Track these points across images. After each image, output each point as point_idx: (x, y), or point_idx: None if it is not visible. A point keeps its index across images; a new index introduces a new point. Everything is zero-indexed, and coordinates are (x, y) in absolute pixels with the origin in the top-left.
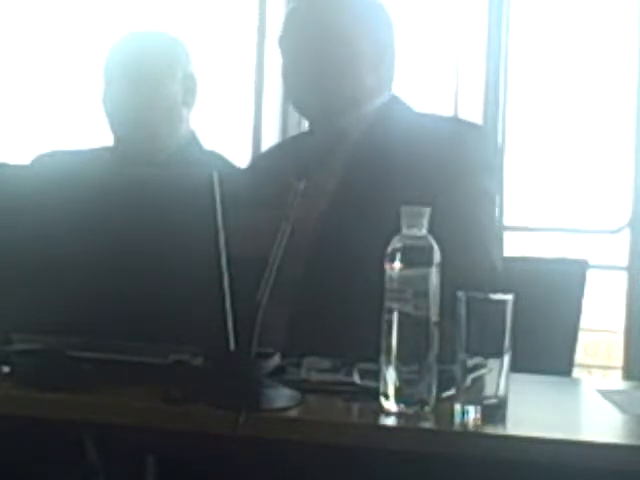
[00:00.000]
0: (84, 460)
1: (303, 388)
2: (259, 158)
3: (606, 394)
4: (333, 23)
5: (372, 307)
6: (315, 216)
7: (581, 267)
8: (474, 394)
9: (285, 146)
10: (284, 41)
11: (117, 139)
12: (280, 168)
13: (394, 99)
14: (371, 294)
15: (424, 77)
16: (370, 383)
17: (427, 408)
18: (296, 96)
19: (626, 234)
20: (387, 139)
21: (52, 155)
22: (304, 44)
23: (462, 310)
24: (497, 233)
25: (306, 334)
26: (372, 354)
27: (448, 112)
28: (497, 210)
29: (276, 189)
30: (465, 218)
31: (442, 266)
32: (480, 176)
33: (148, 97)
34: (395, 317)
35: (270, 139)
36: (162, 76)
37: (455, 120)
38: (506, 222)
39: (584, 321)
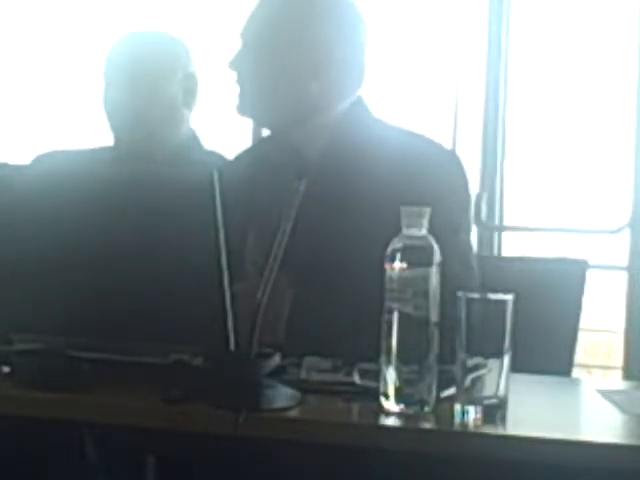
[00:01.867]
0: (84, 460)
1: (303, 388)
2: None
3: (606, 394)
4: (276, 26)
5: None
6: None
7: (581, 267)
8: (474, 394)
9: (246, 158)
10: (241, 36)
11: (117, 139)
12: (244, 182)
13: (355, 106)
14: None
15: (424, 78)
16: (370, 383)
17: (427, 408)
18: (243, 101)
19: (626, 234)
20: (348, 158)
21: (52, 155)
22: (251, 48)
23: (462, 310)
24: (465, 254)
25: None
26: (371, 355)
27: (448, 113)
28: (466, 231)
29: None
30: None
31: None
32: (445, 197)
33: (148, 97)
34: (395, 317)
35: None
36: (162, 76)
37: (420, 137)
38: (506, 222)
39: (584, 321)
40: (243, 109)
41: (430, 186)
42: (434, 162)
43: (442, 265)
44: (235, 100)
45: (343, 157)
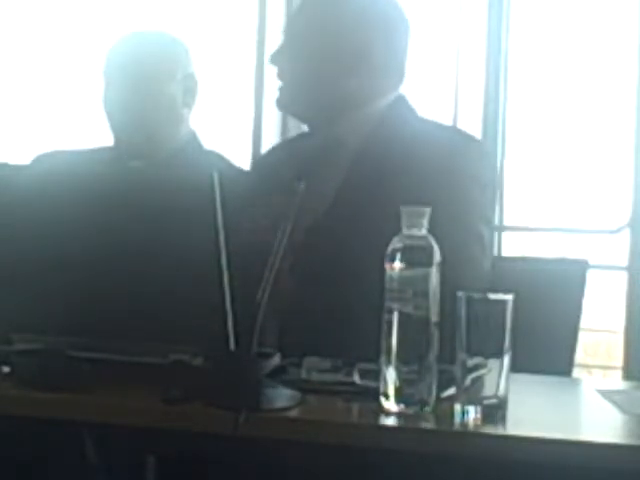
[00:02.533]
0: (84, 460)
1: (303, 388)
2: (259, 161)
3: (606, 394)
4: (315, 28)
5: (368, 318)
6: (309, 224)
7: (581, 267)
8: (474, 394)
9: (284, 148)
10: (285, 35)
11: (117, 139)
12: (277, 172)
13: (397, 102)
14: (368, 305)
15: (424, 78)
16: (370, 383)
17: (427, 408)
18: (283, 96)
19: (626, 234)
20: (386, 150)
21: (52, 155)
22: (291, 47)
23: (462, 310)
24: (484, 244)
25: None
26: (372, 354)
27: (448, 112)
28: (489, 227)
29: (274, 194)
30: (455, 227)
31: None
32: (473, 190)
33: (148, 98)
34: (395, 317)
35: (270, 139)
36: (162, 77)
37: (456, 131)
38: (506, 222)
39: (584, 321)
40: (284, 103)
41: (460, 180)
42: (464, 156)
43: (462, 251)
44: (276, 94)
45: (382, 148)
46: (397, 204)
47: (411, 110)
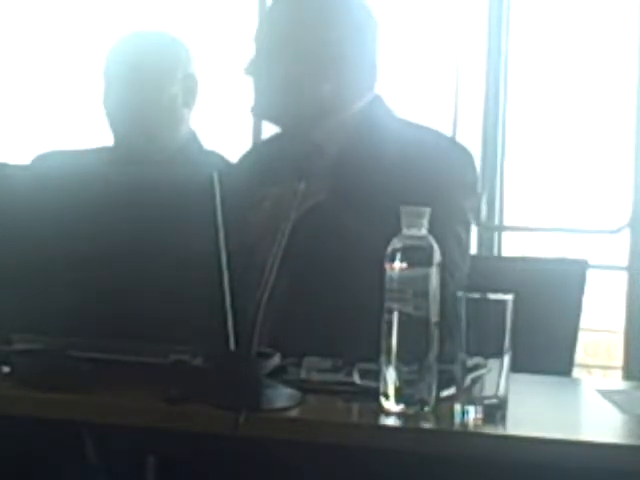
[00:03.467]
0: (84, 460)
1: (303, 388)
2: (238, 163)
3: (606, 394)
4: (292, 29)
5: (357, 329)
6: None
7: (581, 267)
8: (474, 394)
9: (260, 151)
10: (256, 39)
11: (117, 139)
12: (249, 179)
13: (373, 103)
14: (357, 309)
15: (424, 78)
16: (370, 383)
17: (427, 408)
18: (257, 102)
19: (626, 234)
20: (367, 153)
21: (52, 155)
22: (268, 49)
23: (462, 310)
24: (463, 245)
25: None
26: (371, 354)
27: (448, 113)
28: (467, 230)
29: (241, 201)
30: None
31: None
32: (456, 192)
33: (149, 99)
34: (395, 317)
35: None
36: (163, 78)
37: (438, 135)
38: (506, 222)
39: (584, 321)
40: (259, 111)
41: (443, 182)
42: (448, 158)
43: (442, 255)
44: (251, 102)
45: (361, 153)
46: (382, 207)
47: (388, 110)
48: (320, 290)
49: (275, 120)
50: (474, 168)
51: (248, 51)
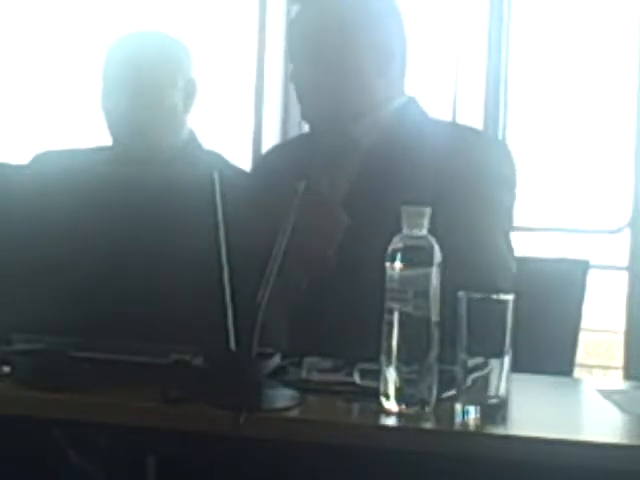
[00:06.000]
0: (84, 460)
1: (304, 388)
2: (262, 161)
3: (606, 394)
4: (336, 28)
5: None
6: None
7: (582, 267)
8: (475, 394)
9: (288, 148)
10: (290, 48)
11: (115, 141)
12: (282, 173)
13: (409, 103)
14: (378, 302)
15: (424, 77)
16: (371, 383)
17: (427, 408)
18: (306, 107)
19: (626, 234)
20: (399, 149)
21: (50, 154)
22: (308, 53)
23: (463, 310)
24: (510, 242)
25: (307, 337)
26: (373, 354)
27: (448, 113)
28: (510, 225)
29: (277, 194)
30: (479, 223)
31: (456, 268)
32: (495, 187)
33: (148, 107)
34: (396, 317)
35: (270, 139)
36: (163, 84)
37: (473, 131)
38: None
39: (585, 321)
40: (309, 115)
41: (479, 177)
42: (484, 154)
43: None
44: (300, 106)
45: (393, 148)
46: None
47: (423, 111)
48: (339, 290)
49: (315, 124)
50: (512, 164)
51: (277, 43)
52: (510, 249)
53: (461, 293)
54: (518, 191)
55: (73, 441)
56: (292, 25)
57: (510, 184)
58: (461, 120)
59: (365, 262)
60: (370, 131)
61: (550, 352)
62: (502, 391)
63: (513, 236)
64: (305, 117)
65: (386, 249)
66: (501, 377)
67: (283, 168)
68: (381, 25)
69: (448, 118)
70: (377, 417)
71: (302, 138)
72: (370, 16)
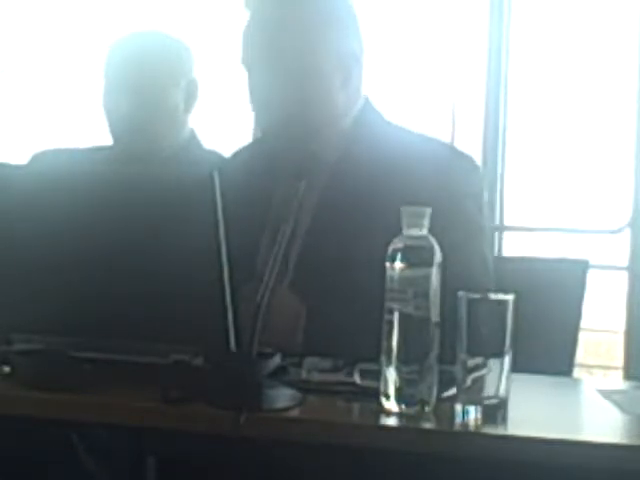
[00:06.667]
0: (84, 460)
1: (304, 388)
2: (226, 163)
3: (606, 394)
4: (295, 45)
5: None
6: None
7: (581, 267)
8: (475, 394)
9: (249, 151)
10: (244, 53)
11: (116, 141)
12: (246, 175)
13: (366, 108)
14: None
15: (424, 78)
16: (371, 383)
17: (428, 408)
18: (263, 124)
19: (626, 234)
20: (365, 161)
21: (49, 154)
22: (265, 67)
23: (462, 310)
24: (486, 259)
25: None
26: (371, 355)
27: (447, 112)
28: (487, 237)
29: (239, 196)
30: (452, 244)
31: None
32: (465, 203)
33: (151, 108)
34: (396, 317)
35: None
36: (164, 84)
37: (437, 142)
38: (506, 222)
39: (584, 321)
40: (266, 128)
41: (444, 190)
42: (449, 166)
43: (463, 269)
44: (256, 117)
45: (359, 162)
46: (382, 218)
47: (379, 115)
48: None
49: (274, 141)
50: (477, 171)
51: (239, 65)
52: (486, 267)
53: (461, 293)
54: (484, 200)
55: (73, 441)
56: (248, 29)
57: (478, 196)
58: (461, 121)
59: (353, 273)
60: (331, 144)
61: (550, 352)
62: (502, 391)
63: (513, 236)
64: (262, 128)
65: (371, 259)
66: (501, 377)
67: (250, 168)
68: (342, 29)
69: (448, 118)
70: (377, 417)
71: (256, 146)
72: (330, 21)
